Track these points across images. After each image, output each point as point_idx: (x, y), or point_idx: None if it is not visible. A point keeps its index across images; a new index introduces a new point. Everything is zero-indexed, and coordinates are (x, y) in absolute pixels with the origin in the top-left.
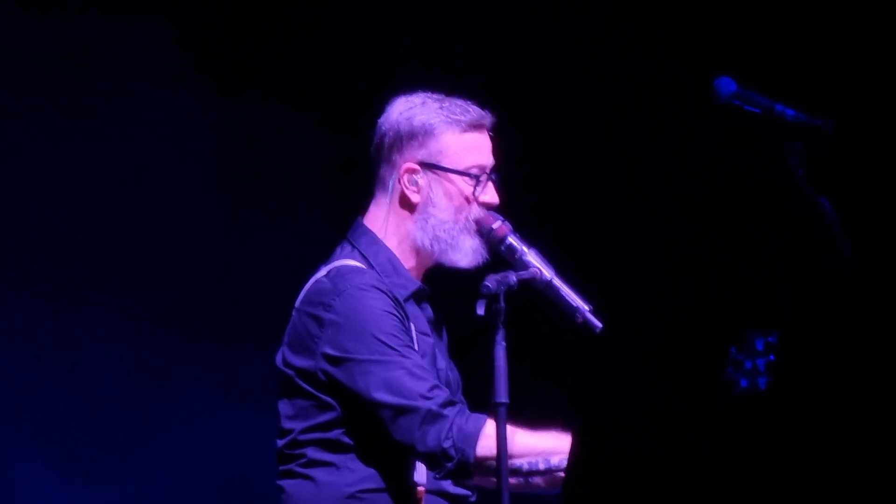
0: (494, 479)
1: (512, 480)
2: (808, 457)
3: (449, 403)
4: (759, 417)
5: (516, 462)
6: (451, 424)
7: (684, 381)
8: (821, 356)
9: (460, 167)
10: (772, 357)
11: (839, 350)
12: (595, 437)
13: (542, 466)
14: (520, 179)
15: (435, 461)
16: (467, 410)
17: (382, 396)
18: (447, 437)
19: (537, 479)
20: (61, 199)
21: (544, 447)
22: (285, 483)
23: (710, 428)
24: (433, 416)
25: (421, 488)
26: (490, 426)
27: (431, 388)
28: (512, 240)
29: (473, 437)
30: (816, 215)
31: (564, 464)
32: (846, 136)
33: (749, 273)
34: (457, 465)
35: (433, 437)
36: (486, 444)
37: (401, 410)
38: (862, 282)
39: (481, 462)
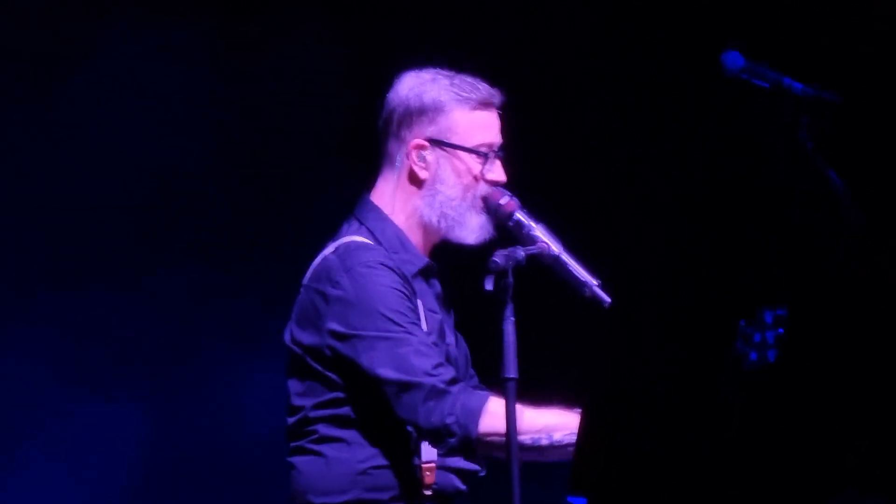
0: (503, 453)
1: (522, 455)
2: (817, 430)
3: (453, 381)
4: (769, 391)
5: (520, 437)
6: (455, 401)
7: (693, 354)
8: (830, 329)
9: (469, 145)
10: (781, 330)
11: (849, 323)
12: (604, 410)
13: (545, 442)
14: (527, 153)
15: (438, 437)
16: (470, 388)
17: (387, 373)
18: (450, 414)
19: (545, 454)
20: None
21: (547, 423)
22: (296, 460)
23: (720, 401)
24: (437, 393)
25: (431, 464)
26: (493, 403)
27: (436, 366)
28: (520, 215)
29: (476, 414)
30: (826, 188)
31: (567, 439)
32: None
33: (758, 246)
34: (460, 441)
35: (437, 413)
36: (489, 421)
37: (405, 386)
38: (871, 255)
39: (484, 438)
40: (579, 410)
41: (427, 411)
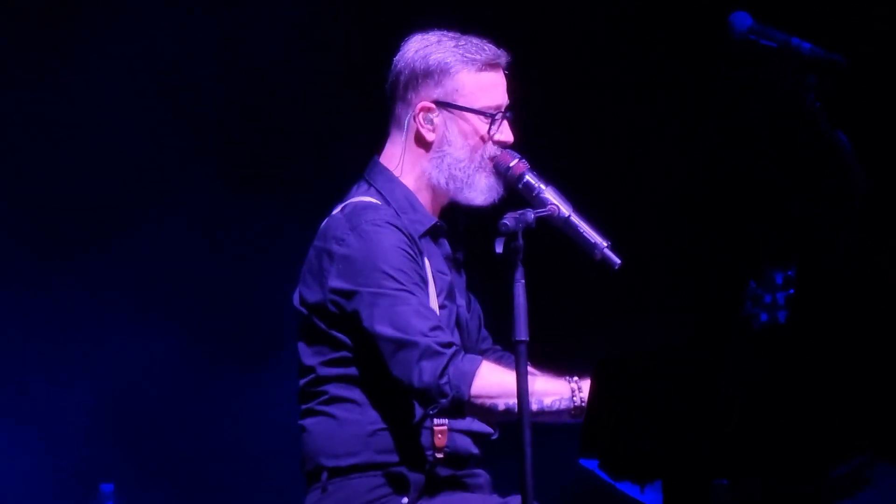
0: (492, 418)
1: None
2: (829, 392)
3: (448, 344)
4: (780, 352)
5: (510, 402)
6: (449, 362)
7: (703, 315)
8: (839, 289)
9: (476, 106)
10: (791, 291)
11: (856, 283)
12: (615, 373)
13: (534, 407)
14: (535, 116)
15: (429, 397)
16: (464, 352)
17: (385, 330)
18: (443, 374)
19: (536, 419)
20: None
21: (537, 389)
22: (307, 422)
23: (729, 362)
24: (431, 353)
25: (443, 426)
26: (486, 367)
27: (433, 328)
28: (529, 177)
29: (469, 376)
30: (833, 150)
31: (557, 405)
32: (862, 70)
33: (767, 206)
34: (451, 401)
35: (429, 372)
36: (481, 384)
37: (401, 344)
38: (878, 215)
39: (475, 400)
40: (570, 377)
41: (420, 371)
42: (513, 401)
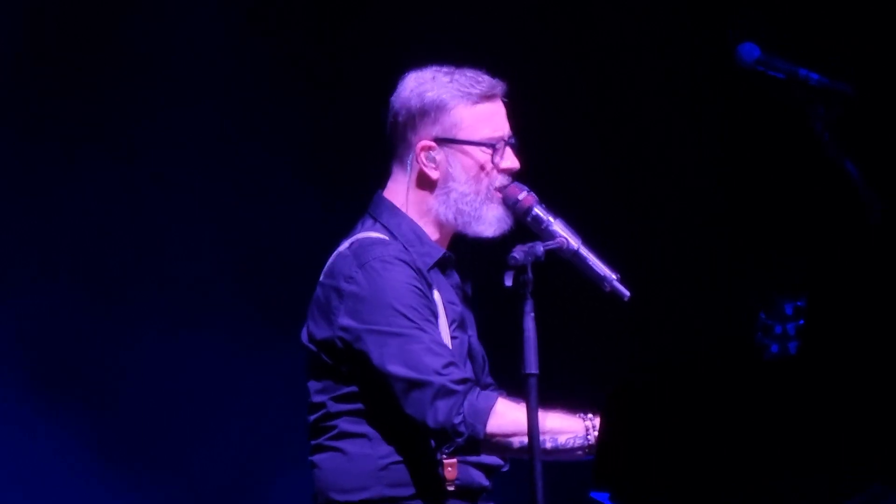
0: (508, 454)
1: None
2: (840, 424)
3: (462, 381)
4: (790, 380)
5: (525, 440)
6: (463, 400)
7: (714, 346)
8: (850, 319)
9: (476, 138)
10: (801, 322)
11: (868, 312)
12: (626, 405)
13: (549, 445)
14: (543, 148)
15: (445, 436)
16: (479, 389)
17: (397, 369)
18: (458, 413)
19: (550, 457)
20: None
21: (552, 426)
22: (317, 458)
23: (741, 394)
24: (446, 392)
25: (454, 459)
26: (501, 404)
27: (446, 365)
28: (538, 210)
29: (484, 414)
30: (842, 179)
31: (571, 443)
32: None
33: (777, 237)
34: (466, 440)
35: (444, 412)
36: (496, 422)
37: (414, 384)
38: (890, 244)
39: (490, 439)
40: (584, 414)
41: (435, 410)
42: (526, 438)
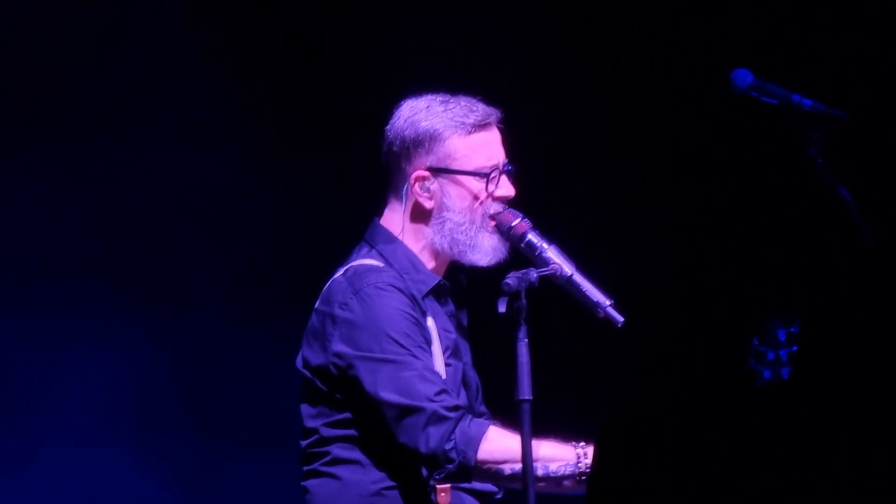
0: (499, 482)
1: (516, 485)
2: (831, 448)
3: (455, 408)
4: (783, 408)
5: (516, 467)
6: (455, 427)
7: (707, 374)
8: (843, 346)
9: (470, 168)
10: (794, 347)
11: (861, 339)
12: (619, 435)
13: (540, 472)
14: (537, 174)
15: (436, 463)
16: (470, 416)
17: (390, 396)
18: (450, 439)
19: (541, 485)
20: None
21: (544, 454)
22: (310, 483)
23: (733, 420)
24: (438, 419)
25: (446, 485)
26: (493, 431)
27: (439, 392)
28: (532, 237)
29: (476, 441)
30: (836, 204)
31: (563, 471)
32: (864, 125)
33: (770, 263)
34: (458, 467)
35: (436, 438)
36: (488, 448)
37: (406, 410)
38: (884, 270)
39: (481, 466)
40: (576, 443)
41: (427, 436)
42: (519, 466)
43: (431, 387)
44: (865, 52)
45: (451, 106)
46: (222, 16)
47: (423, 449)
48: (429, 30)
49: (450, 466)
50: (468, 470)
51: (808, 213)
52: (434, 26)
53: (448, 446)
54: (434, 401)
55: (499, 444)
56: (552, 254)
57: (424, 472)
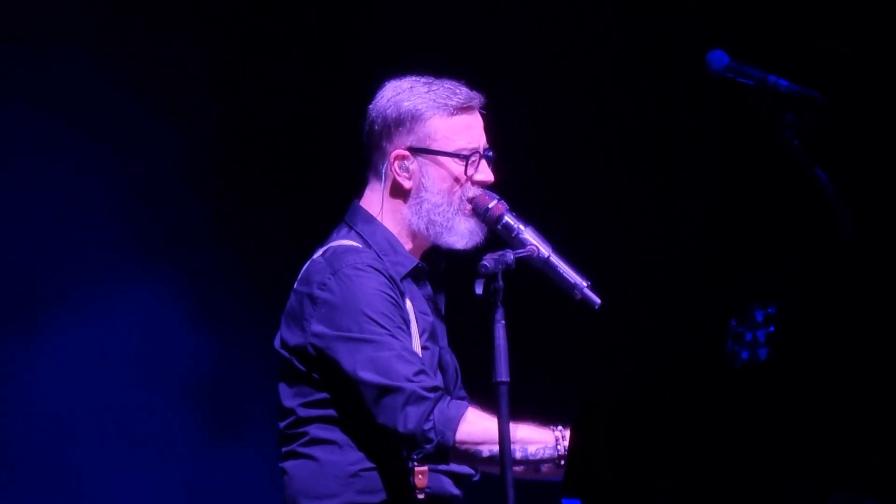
0: (477, 465)
1: (493, 468)
2: (810, 430)
3: (433, 388)
4: (761, 392)
5: (494, 449)
6: (434, 408)
7: (685, 355)
8: (821, 330)
9: (450, 149)
10: (772, 329)
11: (840, 323)
12: (597, 412)
13: (518, 455)
14: (515, 157)
15: (414, 443)
16: (449, 397)
17: (368, 376)
18: (428, 420)
19: (518, 468)
20: None
21: (522, 437)
22: (287, 465)
23: (712, 400)
24: (416, 399)
25: (424, 467)
26: (472, 413)
27: (417, 373)
28: (508, 218)
29: (454, 421)
30: (812, 188)
31: (541, 454)
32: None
33: (748, 246)
34: (436, 447)
35: (414, 418)
36: (466, 430)
37: (385, 390)
38: (861, 254)
39: (459, 447)
40: (554, 426)
41: (405, 416)
42: (496, 447)
43: (410, 367)
44: (844, 37)
45: (435, 87)
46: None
47: (401, 429)
48: (418, 29)
49: (428, 447)
50: (446, 451)
51: (787, 199)
52: (427, 20)
53: (427, 426)
54: (413, 381)
55: (477, 426)
56: (529, 235)
57: (403, 452)
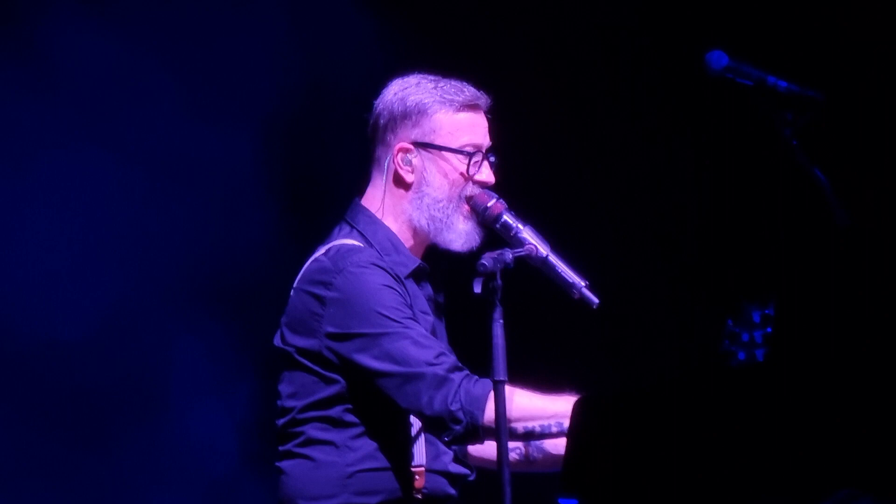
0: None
1: (514, 456)
2: (809, 429)
3: (455, 368)
4: (757, 388)
5: (529, 425)
6: (459, 387)
7: (682, 353)
8: (818, 326)
9: (453, 145)
10: (769, 329)
11: (837, 319)
12: (594, 411)
13: (555, 429)
14: (514, 155)
15: (443, 425)
16: (474, 376)
17: (388, 367)
18: (455, 400)
19: (541, 451)
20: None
21: (556, 410)
22: (284, 464)
23: (709, 400)
24: (440, 381)
25: (421, 467)
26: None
27: (438, 355)
28: (507, 217)
29: (482, 400)
30: (811, 185)
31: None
32: (840, 106)
33: (745, 244)
34: (465, 427)
35: (440, 400)
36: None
37: (407, 378)
38: (858, 251)
39: (489, 424)
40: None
41: (430, 399)
42: (531, 423)
43: (429, 351)
44: (840, 32)
45: (442, 84)
46: None
47: (427, 412)
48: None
49: (457, 427)
50: (476, 430)
51: (784, 197)
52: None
53: (454, 407)
54: (433, 364)
55: (507, 402)
56: (528, 234)
57: (396, 454)
